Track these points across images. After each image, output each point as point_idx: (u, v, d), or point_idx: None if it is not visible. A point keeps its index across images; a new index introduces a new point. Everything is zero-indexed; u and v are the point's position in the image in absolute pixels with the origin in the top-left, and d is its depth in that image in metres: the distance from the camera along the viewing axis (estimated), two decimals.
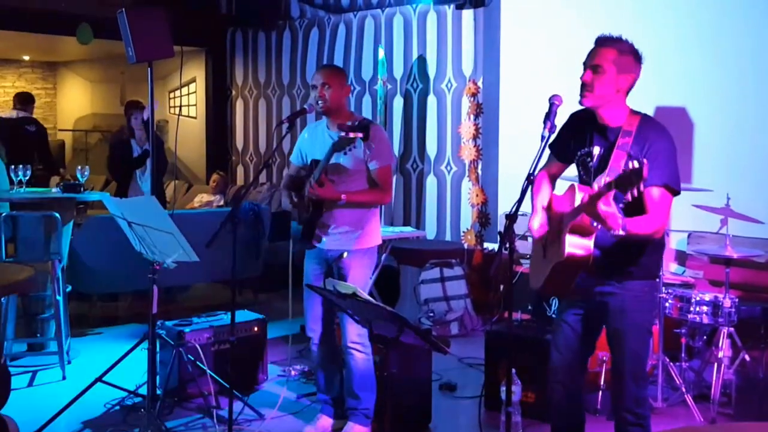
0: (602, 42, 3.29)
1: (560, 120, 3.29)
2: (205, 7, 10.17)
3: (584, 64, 3.28)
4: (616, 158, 3.16)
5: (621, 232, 3.01)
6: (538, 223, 3.39)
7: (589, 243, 3.14)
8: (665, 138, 3.22)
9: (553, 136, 3.28)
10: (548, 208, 3.42)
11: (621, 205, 3.15)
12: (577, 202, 3.12)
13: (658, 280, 3.53)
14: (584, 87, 3.26)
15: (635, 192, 2.77)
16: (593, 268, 3.20)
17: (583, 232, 3.14)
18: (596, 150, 3.31)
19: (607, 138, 3.29)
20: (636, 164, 2.75)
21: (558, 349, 3.50)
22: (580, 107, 3.35)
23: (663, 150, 3.16)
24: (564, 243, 3.14)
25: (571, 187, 3.24)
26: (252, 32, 10.03)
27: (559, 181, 3.64)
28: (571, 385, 3.51)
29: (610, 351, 3.47)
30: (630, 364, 3.33)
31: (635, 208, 3.13)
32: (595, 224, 3.09)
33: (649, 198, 3.14)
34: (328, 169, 4.11)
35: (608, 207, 2.98)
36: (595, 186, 3.15)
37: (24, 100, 9.11)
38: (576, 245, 3.14)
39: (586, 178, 3.36)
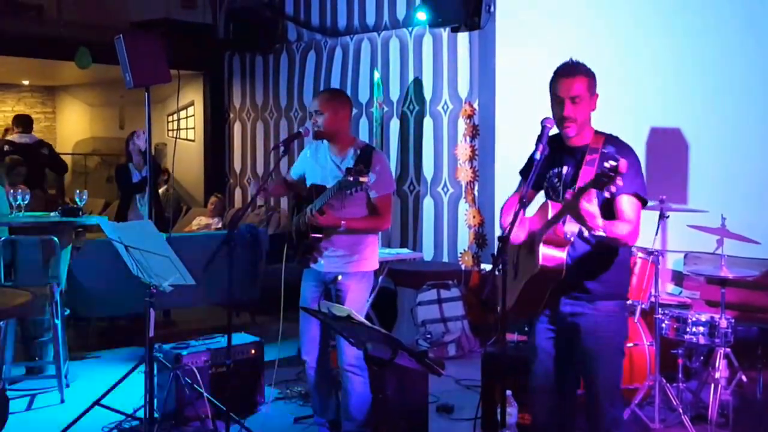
0: (571, 71, 3.34)
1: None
2: (202, 32, 10.24)
3: (558, 96, 3.31)
4: (584, 174, 3.24)
5: (600, 232, 3.07)
6: (518, 233, 3.36)
7: (562, 254, 3.20)
8: (631, 153, 3.31)
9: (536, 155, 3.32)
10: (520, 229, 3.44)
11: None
12: (549, 216, 3.19)
13: (626, 300, 3.56)
14: (566, 119, 3.31)
15: (612, 188, 2.84)
16: (564, 282, 3.24)
17: (556, 244, 3.20)
18: (565, 169, 3.38)
19: (574, 157, 3.36)
20: (612, 162, 2.82)
21: (536, 376, 3.51)
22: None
23: (631, 164, 3.19)
24: (538, 255, 3.19)
25: (544, 204, 3.32)
26: (249, 56, 10.09)
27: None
28: (555, 409, 3.50)
29: (581, 372, 3.46)
30: (604, 385, 3.35)
31: (606, 216, 3.20)
32: (568, 236, 3.16)
33: (621, 206, 3.23)
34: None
35: (590, 205, 3.03)
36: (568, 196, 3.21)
37: (29, 123, 9.19)
38: (550, 256, 3.19)
39: (554, 197, 3.41)
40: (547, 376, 3.48)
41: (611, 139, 3.37)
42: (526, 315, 3.49)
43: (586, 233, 3.21)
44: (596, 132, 3.40)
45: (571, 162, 3.38)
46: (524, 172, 3.60)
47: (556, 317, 3.42)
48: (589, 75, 3.35)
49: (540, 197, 3.53)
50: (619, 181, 2.83)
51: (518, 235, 3.38)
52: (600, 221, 3.06)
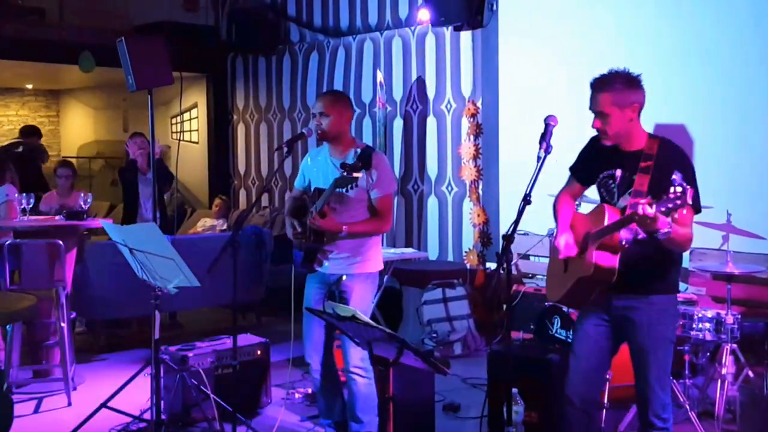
0: (597, 87, 3.38)
1: (555, 141, 3.38)
2: (204, 34, 10.25)
3: (591, 109, 3.39)
4: (639, 181, 3.29)
5: (668, 230, 3.07)
6: (565, 241, 3.46)
7: (615, 259, 3.27)
8: (688, 162, 3.36)
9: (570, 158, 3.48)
10: (572, 227, 3.53)
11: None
12: (606, 221, 3.25)
13: (678, 293, 3.62)
14: (597, 130, 3.41)
15: (680, 212, 2.95)
16: (616, 284, 3.31)
17: (611, 249, 3.26)
18: (618, 172, 3.44)
19: (628, 161, 3.40)
20: (680, 189, 2.89)
21: (576, 358, 3.57)
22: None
23: (687, 173, 3.22)
24: (591, 258, 3.27)
25: (600, 207, 3.39)
26: (252, 57, 10.10)
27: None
28: (587, 396, 3.57)
29: (633, 365, 3.52)
30: (657, 373, 3.44)
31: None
32: (624, 243, 3.24)
33: (681, 215, 3.20)
34: (330, 198, 4.12)
35: (654, 211, 3.03)
36: (626, 204, 3.29)
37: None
38: (604, 261, 3.26)
39: (608, 199, 3.48)
40: (588, 361, 3.54)
41: (666, 144, 3.40)
42: (576, 305, 3.62)
43: (640, 236, 3.26)
44: (650, 136, 3.43)
45: (625, 165, 3.42)
46: (574, 169, 3.68)
47: (609, 309, 3.47)
48: (615, 90, 3.33)
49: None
50: (685, 210, 2.92)
51: (567, 234, 3.46)
52: (670, 224, 3.09)
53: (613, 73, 3.39)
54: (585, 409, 3.57)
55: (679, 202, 2.89)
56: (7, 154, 8.73)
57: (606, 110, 3.34)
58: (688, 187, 2.89)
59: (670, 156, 3.33)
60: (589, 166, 3.59)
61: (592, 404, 3.63)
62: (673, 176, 3.15)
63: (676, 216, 2.97)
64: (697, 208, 3.29)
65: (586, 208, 3.71)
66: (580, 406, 3.56)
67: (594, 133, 3.49)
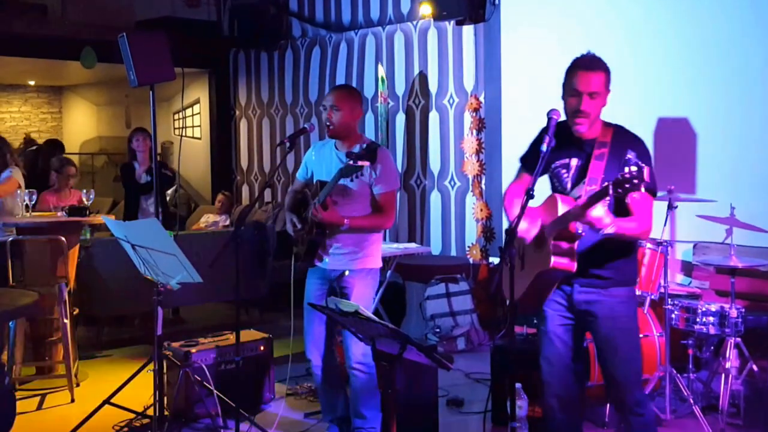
0: (592, 65, 3.30)
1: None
2: (206, 30, 10.24)
3: (576, 89, 3.27)
4: (594, 168, 3.24)
5: (610, 230, 3.07)
6: (525, 226, 3.36)
7: (573, 249, 3.21)
8: (642, 146, 3.30)
9: (538, 147, 3.32)
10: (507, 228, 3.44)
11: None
12: (560, 212, 3.17)
13: (635, 286, 3.58)
14: (580, 113, 3.28)
15: (635, 195, 2.88)
16: (575, 274, 3.26)
17: (567, 238, 3.20)
18: (574, 162, 3.37)
19: (583, 149, 3.35)
20: (634, 169, 2.81)
21: (549, 362, 3.52)
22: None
23: (641, 153, 3.22)
24: (549, 250, 3.20)
25: (552, 197, 3.31)
26: (254, 52, 10.08)
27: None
28: (567, 397, 3.52)
29: (600, 360, 3.48)
30: (625, 369, 3.38)
31: (617, 211, 3.23)
32: (580, 231, 3.16)
33: (634, 201, 3.21)
34: (333, 191, 4.11)
35: (597, 210, 3.04)
36: (581, 194, 3.23)
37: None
38: (562, 252, 3.20)
39: (560, 189, 3.41)
40: (562, 363, 3.49)
41: (620, 131, 3.36)
42: (533, 306, 3.48)
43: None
44: (604, 123, 3.38)
45: (580, 155, 3.36)
46: (525, 159, 3.60)
47: (572, 305, 3.42)
48: (607, 71, 3.31)
49: (548, 183, 3.53)
50: (642, 188, 2.82)
51: (526, 228, 3.37)
52: (608, 221, 3.08)
53: (594, 54, 3.34)
54: (567, 413, 3.52)
55: (636, 181, 2.80)
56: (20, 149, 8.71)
57: (600, 90, 3.27)
58: (644, 165, 2.82)
59: (624, 141, 3.28)
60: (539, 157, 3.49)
61: (575, 406, 3.56)
62: (628, 156, 3.13)
63: (635, 196, 2.90)
64: (653, 190, 3.20)
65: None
66: (562, 411, 3.52)
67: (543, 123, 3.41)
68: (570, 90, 3.31)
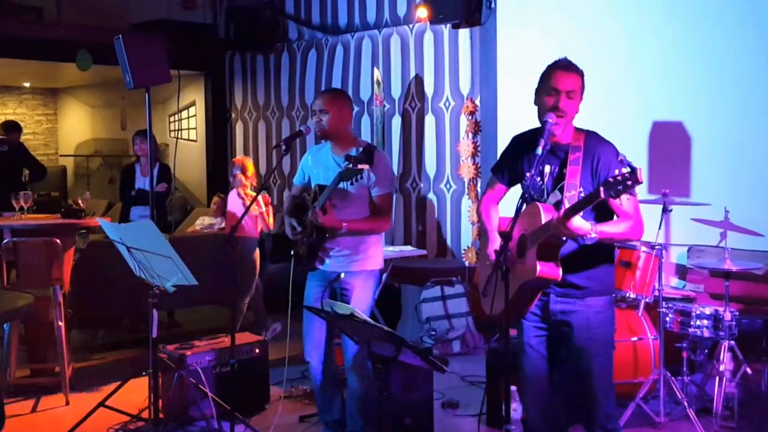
0: (569, 67, 3.34)
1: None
2: (202, 32, 10.24)
3: (554, 88, 3.30)
4: (570, 174, 3.24)
5: (593, 234, 3.07)
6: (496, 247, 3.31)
7: (557, 257, 3.19)
8: (612, 149, 3.31)
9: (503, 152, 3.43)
10: (502, 231, 3.42)
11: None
12: (544, 220, 3.14)
13: (613, 295, 3.57)
14: (557, 110, 3.29)
15: (627, 195, 2.88)
16: (557, 283, 3.24)
17: (551, 248, 3.18)
18: (547, 168, 3.37)
19: (557, 156, 3.35)
20: (627, 170, 2.81)
21: (525, 373, 3.51)
22: (526, 129, 3.48)
23: (614, 160, 3.23)
24: (533, 260, 3.16)
25: (534, 206, 3.26)
26: (250, 55, 10.09)
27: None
28: (546, 407, 3.52)
29: (574, 369, 3.44)
30: (599, 380, 3.36)
31: (601, 215, 3.24)
32: (563, 238, 3.14)
33: (617, 204, 3.20)
34: (332, 194, 4.12)
35: (577, 220, 3.02)
36: (556, 200, 3.23)
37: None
38: (546, 262, 3.17)
39: (537, 197, 3.39)
40: (538, 374, 3.49)
41: (592, 135, 3.37)
42: (516, 317, 3.47)
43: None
44: (576, 128, 3.38)
45: (554, 161, 3.36)
46: (497, 169, 3.61)
47: (547, 315, 3.41)
48: (583, 76, 3.35)
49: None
50: (636, 189, 2.83)
51: (495, 238, 3.42)
52: (591, 229, 3.07)
53: (570, 60, 3.37)
54: (548, 422, 3.52)
55: (629, 183, 2.79)
56: None
57: (577, 90, 3.30)
58: (638, 166, 2.81)
59: (596, 145, 3.30)
60: (515, 165, 3.50)
61: (555, 415, 3.55)
62: (619, 158, 3.14)
63: (622, 198, 2.91)
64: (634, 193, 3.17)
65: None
66: (543, 421, 3.51)
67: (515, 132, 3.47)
68: (547, 89, 3.33)
